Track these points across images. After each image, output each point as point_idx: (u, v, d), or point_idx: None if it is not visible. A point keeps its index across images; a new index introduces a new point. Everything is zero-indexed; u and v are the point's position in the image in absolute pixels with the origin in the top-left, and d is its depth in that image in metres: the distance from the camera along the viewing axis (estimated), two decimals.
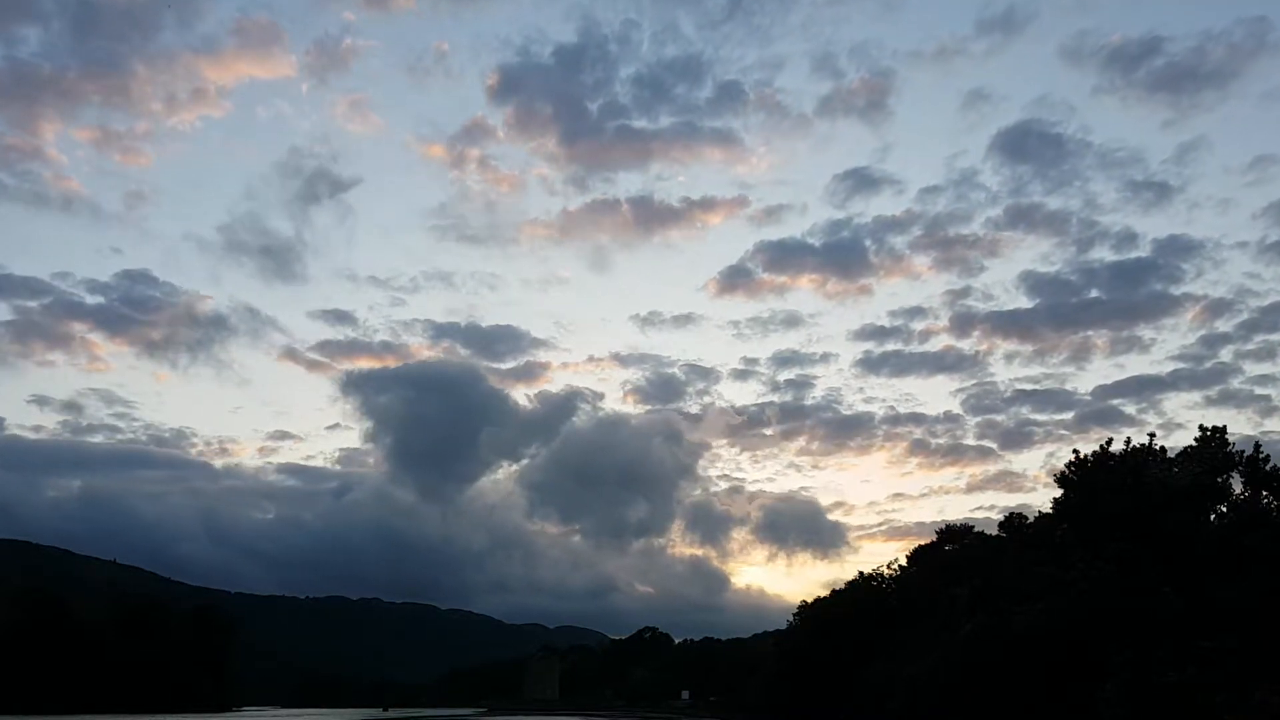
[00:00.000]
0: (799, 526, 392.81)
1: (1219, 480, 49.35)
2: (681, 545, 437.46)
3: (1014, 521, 65.93)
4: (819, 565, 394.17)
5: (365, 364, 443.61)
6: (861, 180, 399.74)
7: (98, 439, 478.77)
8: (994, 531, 71.18)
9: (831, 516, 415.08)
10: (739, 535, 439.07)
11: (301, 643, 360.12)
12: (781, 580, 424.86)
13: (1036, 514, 62.75)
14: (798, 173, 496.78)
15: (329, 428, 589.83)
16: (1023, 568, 53.92)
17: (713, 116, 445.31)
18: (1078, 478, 54.05)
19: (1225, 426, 50.85)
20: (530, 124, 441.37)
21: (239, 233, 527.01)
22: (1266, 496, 47.92)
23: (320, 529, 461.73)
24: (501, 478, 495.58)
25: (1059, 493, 56.01)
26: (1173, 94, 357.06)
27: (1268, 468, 48.32)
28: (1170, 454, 52.32)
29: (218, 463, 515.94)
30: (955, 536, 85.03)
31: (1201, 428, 51.56)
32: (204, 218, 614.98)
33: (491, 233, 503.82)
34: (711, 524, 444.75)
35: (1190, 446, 51.44)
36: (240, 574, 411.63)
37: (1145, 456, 52.26)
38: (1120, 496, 49.75)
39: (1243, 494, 48.93)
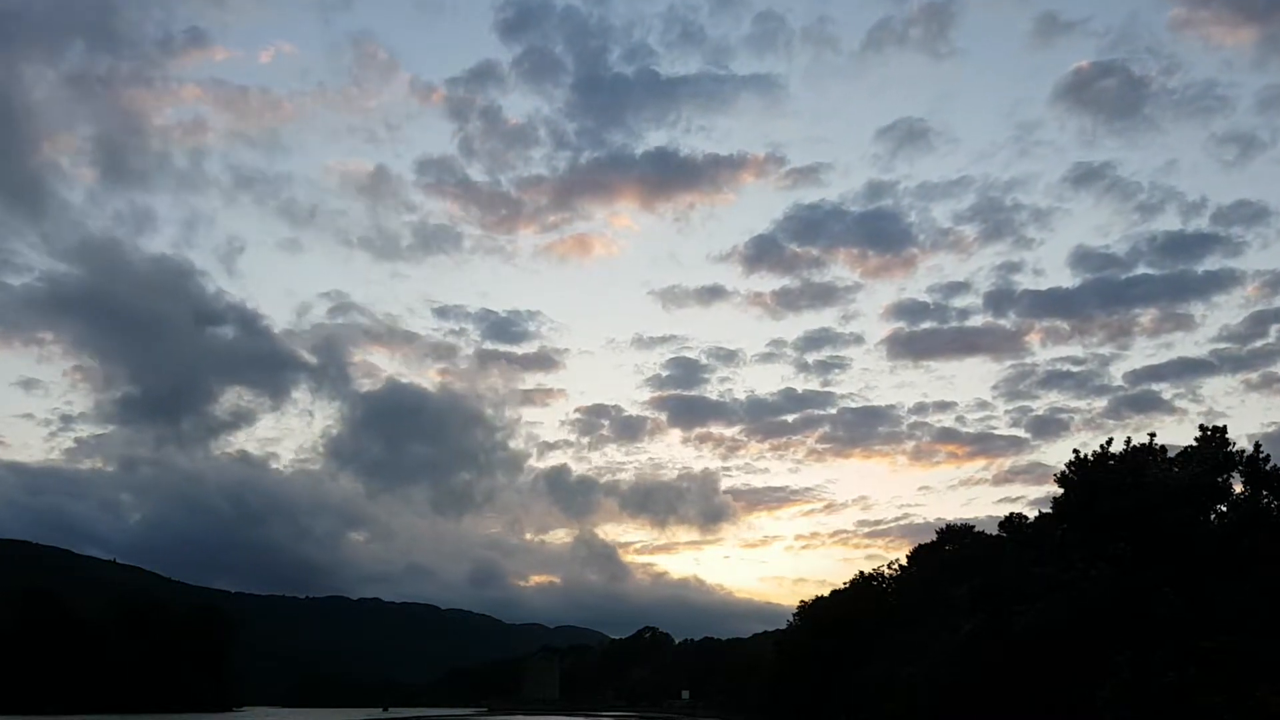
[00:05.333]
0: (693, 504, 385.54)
1: (1219, 480, 49.27)
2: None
3: (1013, 521, 66.02)
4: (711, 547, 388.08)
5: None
6: (910, 134, 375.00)
7: None
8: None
9: (848, 513, 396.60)
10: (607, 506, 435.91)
11: (301, 643, 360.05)
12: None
13: (1037, 513, 62.92)
14: (839, 127, 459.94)
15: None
16: (1022, 568, 53.91)
17: (750, 58, 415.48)
18: (1077, 477, 53.92)
19: (1225, 426, 50.93)
20: (542, 67, 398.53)
21: None
22: (1266, 496, 47.85)
23: None
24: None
25: (1059, 492, 55.96)
26: (1264, 24, 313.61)
27: (1268, 468, 48.26)
28: (1171, 453, 52.33)
29: None
30: (955, 536, 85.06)
31: (1202, 427, 51.61)
32: None
33: (494, 189, 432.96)
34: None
35: (1190, 446, 51.43)
36: None
37: (1145, 456, 52.22)
38: (1120, 496, 49.66)
39: (1243, 494, 48.89)
